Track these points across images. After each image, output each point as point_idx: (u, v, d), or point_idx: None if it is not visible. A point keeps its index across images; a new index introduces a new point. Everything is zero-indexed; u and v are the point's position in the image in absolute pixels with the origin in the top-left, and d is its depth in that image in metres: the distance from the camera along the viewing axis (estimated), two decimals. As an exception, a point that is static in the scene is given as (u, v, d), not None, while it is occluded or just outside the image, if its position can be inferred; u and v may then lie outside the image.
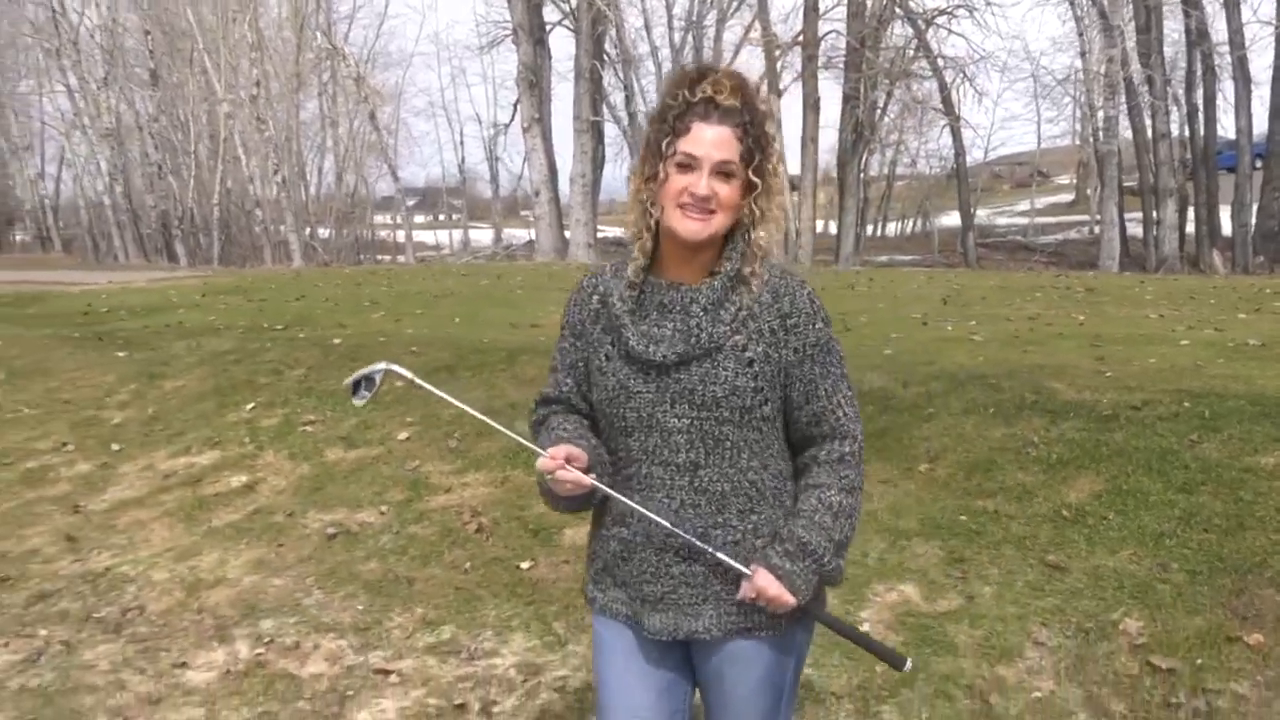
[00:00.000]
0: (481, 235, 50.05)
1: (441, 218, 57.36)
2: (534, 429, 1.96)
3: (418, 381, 1.94)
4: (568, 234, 26.46)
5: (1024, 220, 35.93)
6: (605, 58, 29.25)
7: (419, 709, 3.23)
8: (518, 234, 46.04)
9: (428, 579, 4.01)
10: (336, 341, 7.29)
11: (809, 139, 24.40)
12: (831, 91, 28.19)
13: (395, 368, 1.96)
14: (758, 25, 26.29)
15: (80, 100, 34.37)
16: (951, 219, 32.75)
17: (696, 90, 1.71)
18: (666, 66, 34.94)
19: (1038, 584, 3.51)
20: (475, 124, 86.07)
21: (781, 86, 26.26)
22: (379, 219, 49.15)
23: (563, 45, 64.27)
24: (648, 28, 35.40)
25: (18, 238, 48.80)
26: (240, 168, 34.95)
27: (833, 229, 32.48)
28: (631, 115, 31.23)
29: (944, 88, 24.90)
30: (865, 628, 3.40)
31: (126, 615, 3.99)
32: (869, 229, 35.58)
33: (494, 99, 63.73)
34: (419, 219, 55.68)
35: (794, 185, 26.17)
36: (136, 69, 36.72)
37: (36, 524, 4.93)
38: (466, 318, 8.67)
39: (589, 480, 1.75)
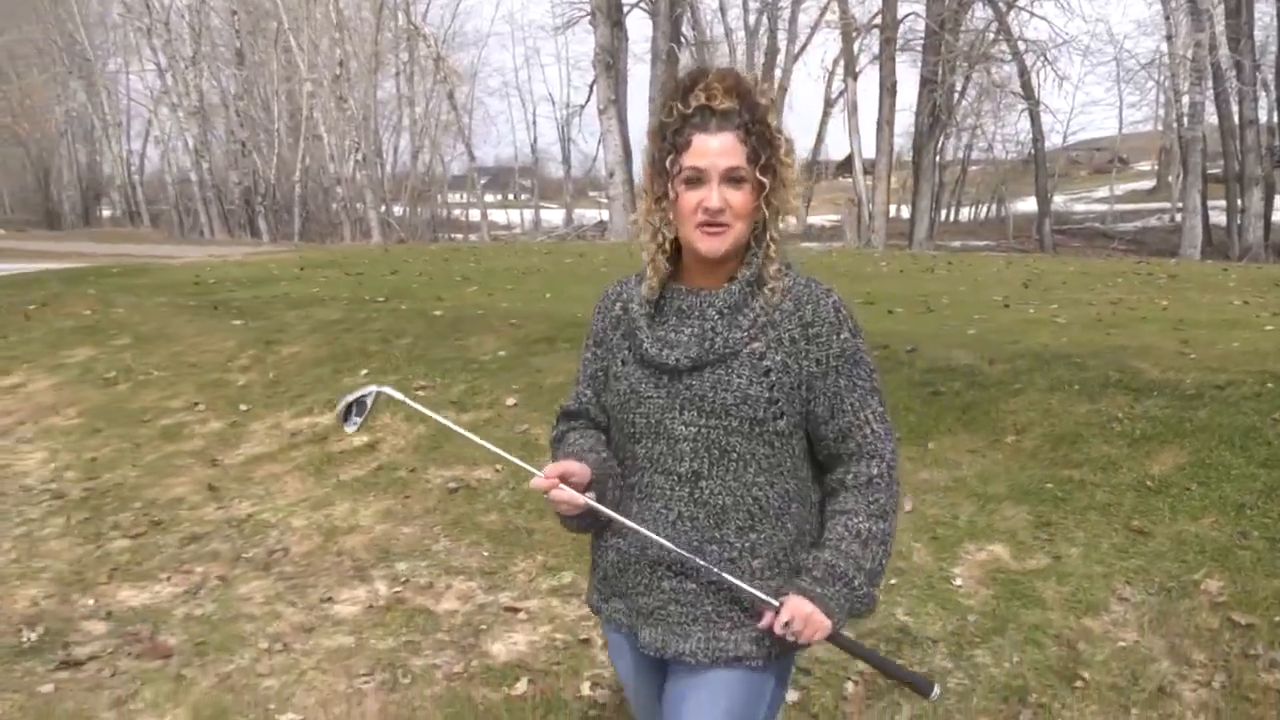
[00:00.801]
0: (551, 215, 50.62)
1: (511, 197, 58.02)
2: (552, 446, 1.95)
3: (410, 403, 1.93)
4: (641, 215, 26.71)
5: (1102, 207, 35.39)
6: (682, 39, 29.38)
7: (547, 642, 3.57)
8: (588, 214, 46.52)
9: (545, 530, 4.34)
10: (438, 313, 7.67)
11: (884, 122, 24.36)
12: (908, 74, 28.06)
13: (386, 390, 1.92)
14: (835, 7, 26.23)
15: (170, 78, 35.44)
16: (1027, 205, 32.42)
17: (690, 100, 1.67)
18: (741, 49, 35.03)
19: (1122, 547, 3.73)
20: (548, 104, 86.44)
21: (858, 69, 26.24)
22: (450, 197, 49.99)
23: (639, 27, 64.21)
24: (723, 10, 35.54)
25: (104, 213, 50.53)
26: (320, 146, 35.86)
27: (905, 213, 32.37)
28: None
29: (1024, 71, 24.68)
30: (958, 583, 3.66)
31: (272, 556, 4.40)
32: (942, 213, 35.32)
33: (567, 79, 64.71)
34: (489, 198, 56.33)
35: (868, 169, 26.15)
36: (222, 48, 37.80)
37: (179, 475, 5.38)
38: (555, 293, 9.01)
39: (581, 500, 1.73)
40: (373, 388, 1.94)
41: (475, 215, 40.24)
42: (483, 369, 6.23)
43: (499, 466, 4.97)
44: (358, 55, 37.97)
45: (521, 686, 3.31)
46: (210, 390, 6.55)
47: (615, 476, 1.82)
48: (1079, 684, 3.12)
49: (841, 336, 1.73)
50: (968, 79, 25.73)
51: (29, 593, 4.19)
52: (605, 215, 32.64)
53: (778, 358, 1.71)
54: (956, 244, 29.13)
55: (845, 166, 61.37)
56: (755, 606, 1.74)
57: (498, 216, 53.23)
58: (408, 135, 45.05)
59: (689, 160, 1.68)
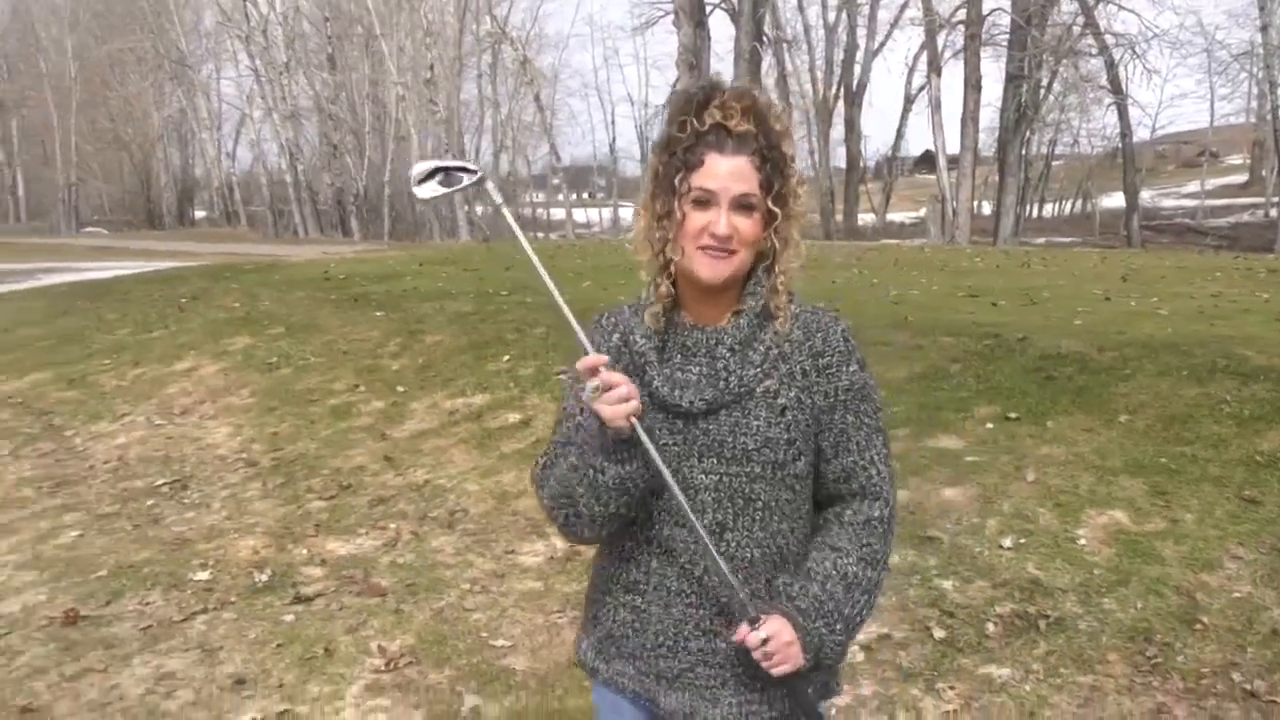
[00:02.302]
0: (627, 214, 51.26)
1: (587, 196, 58.86)
2: (539, 483, 1.74)
3: (505, 210, 1.74)
4: (724, 212, 27.09)
5: (1192, 202, 34.85)
6: (764, 38, 29.71)
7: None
8: (667, 212, 47.00)
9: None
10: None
11: (969, 118, 24.42)
12: (990, 70, 28.04)
13: (490, 185, 1.71)
14: (917, 3, 26.33)
15: (266, 83, 36.81)
16: (1112, 200, 32.11)
17: (705, 117, 1.58)
18: (820, 48, 35.25)
19: (1235, 514, 4.10)
20: (627, 104, 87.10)
21: (941, 64, 26.32)
22: (528, 197, 50.99)
23: (721, 27, 64.43)
24: (801, 7, 35.72)
25: (197, 214, 52.54)
26: (405, 147, 36.95)
27: (986, 209, 32.30)
28: (781, 98, 31.70)
29: (1111, 65, 24.56)
30: (1082, 543, 4.06)
31: (454, 516, 4.97)
32: (1026, 209, 35.13)
33: (645, 79, 65.07)
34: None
35: (952, 163, 26.23)
36: (314, 54, 39.13)
37: (355, 447, 5.99)
38: (668, 287, 9.50)
39: (634, 406, 1.53)
40: (477, 170, 1.70)
41: (556, 214, 41.10)
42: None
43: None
44: (441, 59, 39.00)
45: (698, 623, 3.81)
46: (367, 374, 7.18)
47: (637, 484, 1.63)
48: (1198, 627, 3.52)
49: (850, 369, 1.64)
50: (1054, 74, 25.67)
51: (249, 543, 4.82)
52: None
53: (791, 394, 1.62)
54: (1040, 240, 29.03)
55: (923, 162, 60.98)
56: (733, 614, 1.61)
57: (576, 215, 54.07)
58: (489, 136, 46.13)
59: (699, 180, 1.58)
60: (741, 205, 1.59)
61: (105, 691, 3.67)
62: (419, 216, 37.86)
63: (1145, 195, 33.78)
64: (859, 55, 34.09)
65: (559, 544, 4.55)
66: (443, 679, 3.58)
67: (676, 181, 1.60)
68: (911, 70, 34.69)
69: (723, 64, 35.11)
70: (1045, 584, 3.83)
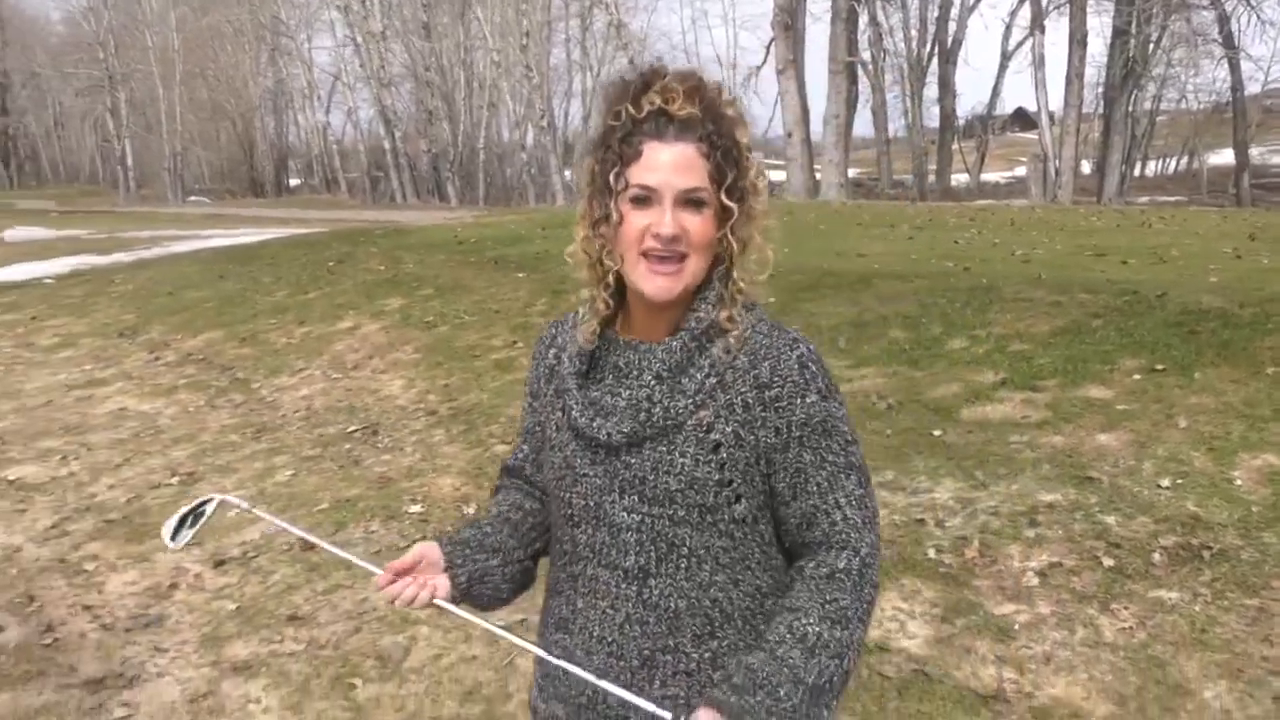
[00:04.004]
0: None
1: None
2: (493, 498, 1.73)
3: (255, 511, 1.69)
4: (818, 175, 27.18)
5: (1304, 157, 33.71)
6: (861, -2, 29.49)
7: (887, 521, 4.42)
8: (754, 174, 46.97)
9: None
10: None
11: (1074, 75, 24.05)
12: (1094, 25, 27.44)
13: (229, 498, 1.65)
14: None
15: (364, 51, 37.67)
16: (1221, 158, 31.25)
17: (643, 103, 1.38)
18: (915, 5, 34.77)
19: (1387, 457, 4.33)
20: (715, 66, 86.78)
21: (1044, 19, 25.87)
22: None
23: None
24: (899, -36, 35.21)
25: (291, 181, 54.07)
26: (499, 114, 37.63)
27: (1085, 168, 31.68)
28: (874, 57, 31.51)
29: (1224, 19, 23.92)
30: (1238, 483, 4.33)
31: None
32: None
33: (734, 40, 64.56)
34: (655, 160, 57.22)
35: (1054, 120, 25.87)
36: (409, 21, 39.88)
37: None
38: (793, 248, 9.82)
39: (423, 598, 1.46)
40: (214, 496, 1.64)
41: (646, 177, 41.21)
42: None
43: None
44: (532, 23, 39.41)
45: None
46: (521, 332, 7.67)
47: (506, 552, 1.56)
48: (1359, 558, 3.79)
49: (808, 400, 1.42)
50: (1164, 28, 25.07)
51: (448, 481, 5.33)
52: (771, 176, 33.09)
53: (728, 428, 1.41)
54: (1144, 199, 28.44)
55: (1016, 120, 59.60)
56: (658, 667, 1.48)
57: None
58: (579, 101, 46.52)
59: (637, 176, 1.38)
60: (689, 201, 1.38)
61: (358, 603, 4.21)
62: (510, 180, 38.58)
63: (1254, 152, 32.78)
64: (954, 12, 33.62)
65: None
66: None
67: (612, 179, 1.40)
68: (1009, 26, 34.06)
69: (819, 24, 34.85)
70: (1205, 520, 4.12)
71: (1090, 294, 6.48)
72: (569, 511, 1.50)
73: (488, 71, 36.52)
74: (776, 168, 43.43)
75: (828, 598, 1.41)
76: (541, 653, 1.51)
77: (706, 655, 1.46)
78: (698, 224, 1.39)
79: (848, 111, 27.10)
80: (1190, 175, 34.95)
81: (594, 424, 1.44)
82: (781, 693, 1.35)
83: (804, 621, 1.39)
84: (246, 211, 32.11)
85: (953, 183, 35.75)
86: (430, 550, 1.50)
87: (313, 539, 1.69)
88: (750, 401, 1.41)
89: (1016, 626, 3.61)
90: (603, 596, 1.48)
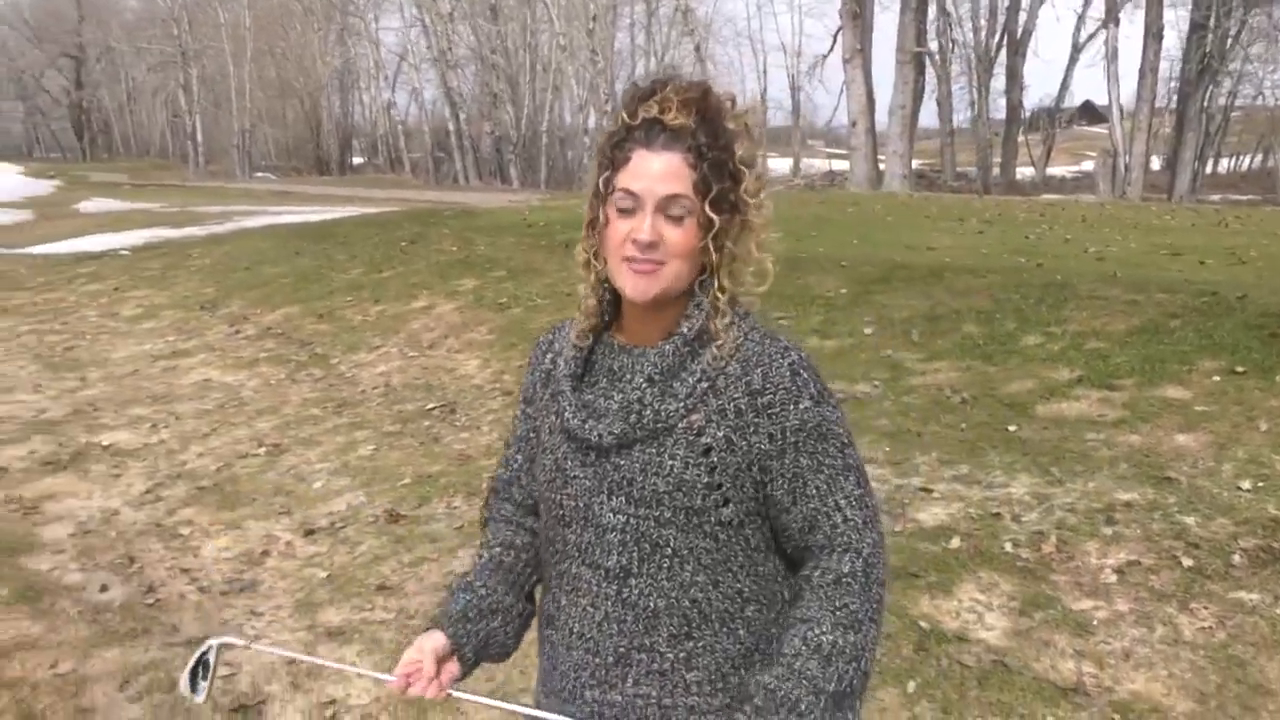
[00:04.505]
0: (775, 164, 51.07)
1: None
2: (482, 529, 1.75)
3: (255, 646, 1.73)
4: (882, 166, 26.98)
5: (1385, 157, 32.75)
6: (931, -13, 29.16)
7: (964, 514, 4.48)
8: (814, 163, 46.76)
9: (933, 434, 5.24)
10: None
11: (1148, 69, 23.60)
12: (1170, 18, 26.87)
13: (228, 639, 1.64)
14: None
15: (431, 33, 38.04)
16: (1297, 155, 30.46)
17: (639, 111, 1.41)
18: (987, -6, 34.23)
19: None
20: (779, 53, 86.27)
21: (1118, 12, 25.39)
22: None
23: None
24: (970, -46, 34.72)
25: (353, 160, 54.78)
26: (563, 97, 37.81)
27: (1154, 164, 31.07)
28: (941, 47, 31.14)
29: (1308, 13, 23.29)
30: (1320, 488, 4.32)
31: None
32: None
33: (799, 28, 64.15)
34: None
35: (1124, 115, 25.41)
36: (476, 3, 40.17)
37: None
38: (861, 239, 9.83)
39: (441, 693, 1.51)
40: (211, 641, 1.61)
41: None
42: (830, 304, 7.17)
43: (875, 383, 5.90)
44: (598, 7, 39.50)
45: (955, 542, 4.24)
46: (593, 315, 7.78)
47: (505, 610, 1.59)
48: None
49: (801, 406, 1.44)
50: (1243, 23, 24.47)
51: (526, 461, 5.46)
52: (833, 165, 32.90)
53: (719, 433, 1.43)
54: (1216, 197, 27.83)
55: (1084, 114, 58.44)
56: (633, 663, 1.49)
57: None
58: (642, 85, 46.42)
59: (623, 181, 1.41)
60: (671, 209, 1.40)
61: (443, 575, 4.35)
62: (571, 164, 38.76)
63: (1333, 150, 31.93)
64: (1025, 2, 33.07)
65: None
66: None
67: (601, 182, 1.44)
68: (1082, 18, 33.44)
69: (888, 12, 34.59)
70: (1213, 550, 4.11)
71: (1168, 294, 6.44)
72: (560, 512, 1.52)
73: (553, 55, 36.69)
74: (839, 157, 43.09)
75: (837, 604, 1.42)
76: (546, 716, 1.50)
77: (681, 655, 1.47)
78: (678, 234, 1.40)
79: (914, 102, 26.85)
80: (1265, 174, 34.12)
81: (586, 425, 1.47)
82: (803, 706, 1.37)
83: (817, 631, 1.40)
84: (314, 189, 32.63)
85: (1017, 176, 35.24)
86: (433, 641, 1.52)
87: (320, 661, 1.74)
88: (743, 408, 1.43)
89: (1095, 622, 3.65)
90: (583, 594, 1.50)
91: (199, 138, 51.18)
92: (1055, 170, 39.76)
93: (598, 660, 1.50)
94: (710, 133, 1.40)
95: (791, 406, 1.43)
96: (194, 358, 8.31)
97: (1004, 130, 34.74)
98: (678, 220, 1.40)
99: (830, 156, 46.83)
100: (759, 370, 1.44)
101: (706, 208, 1.40)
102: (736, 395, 1.43)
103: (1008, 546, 4.17)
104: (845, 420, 1.51)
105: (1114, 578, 3.91)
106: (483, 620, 1.57)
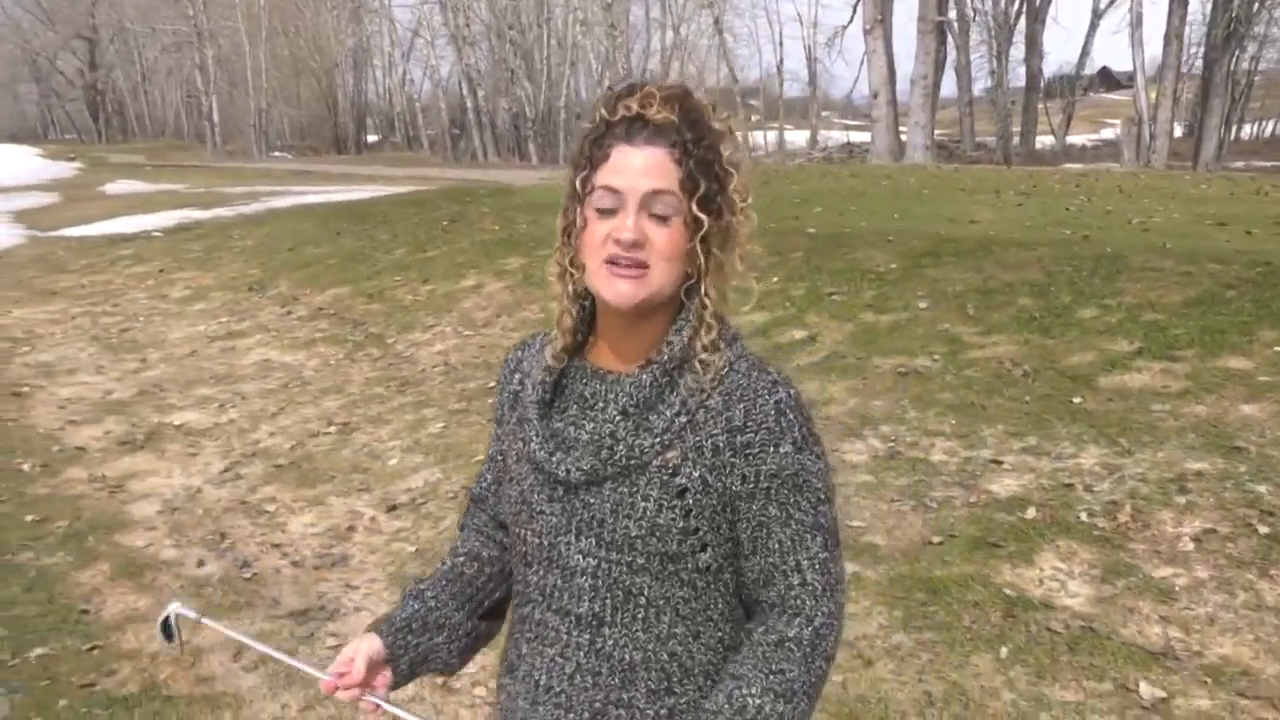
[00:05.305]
0: (791, 136, 50.86)
1: (755, 118, 58.49)
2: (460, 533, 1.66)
3: (205, 621, 1.66)
4: (904, 136, 26.89)
5: None
6: (952, -43, 28.95)
7: (1035, 485, 4.57)
8: (833, 135, 46.59)
9: (996, 406, 5.34)
10: (812, 230, 8.72)
11: (1173, 35, 23.43)
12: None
13: (182, 610, 1.63)
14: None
15: (447, 9, 37.94)
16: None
17: (619, 108, 1.32)
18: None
19: None
20: (795, 24, 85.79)
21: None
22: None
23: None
24: (988, -80, 34.41)
25: (368, 138, 54.77)
26: (579, 72, 37.72)
27: (1178, 131, 30.85)
28: (960, 15, 30.95)
29: (1336, -24, 23.06)
30: (1389, 456, 4.40)
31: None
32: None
33: (814, -1, 63.62)
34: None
35: (1150, 83, 25.25)
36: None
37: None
38: (901, 213, 9.88)
39: (369, 701, 1.42)
40: (172, 606, 1.63)
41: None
42: (882, 279, 7.25)
43: (935, 357, 5.99)
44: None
45: (1031, 513, 4.34)
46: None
47: (452, 627, 1.50)
48: None
49: (781, 450, 1.32)
50: (1272, -14, 24.26)
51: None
52: (850, 137, 32.72)
53: (695, 473, 1.33)
54: (1240, 164, 27.66)
55: (1102, 81, 57.83)
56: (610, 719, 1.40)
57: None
58: (657, 59, 46.35)
59: (603, 178, 1.31)
60: (655, 206, 1.30)
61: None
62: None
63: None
64: (1047, -32, 32.78)
65: (877, 444, 5.14)
66: (815, 550, 4.24)
67: (579, 182, 1.33)
68: (1103, -17, 33.14)
69: (904, -18, 34.30)
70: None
71: (1220, 264, 6.49)
72: (523, 549, 1.41)
73: (569, 29, 36.58)
74: (856, 129, 42.88)
75: (773, 667, 1.32)
76: None
77: (663, 712, 1.37)
78: (665, 233, 1.30)
79: (936, 72, 26.73)
80: (1289, 139, 33.90)
81: (553, 459, 1.35)
82: None
83: (745, 691, 1.30)
84: (334, 168, 32.73)
85: (1037, 145, 35.05)
86: (369, 645, 1.43)
87: (259, 647, 1.64)
88: (720, 445, 1.32)
89: (1177, 589, 3.75)
90: (551, 643, 1.39)
91: (215, 118, 51.23)
92: (1075, 138, 39.53)
93: (571, 716, 1.39)
94: (694, 130, 1.31)
95: (771, 449, 1.32)
96: (250, 338, 8.45)
97: (1024, 98, 34.53)
98: (663, 219, 1.30)
99: (847, 128, 46.62)
100: (741, 406, 1.32)
101: (694, 207, 1.30)
102: (715, 432, 1.32)
103: (1083, 516, 4.27)
104: (827, 473, 1.40)
105: (1191, 545, 4.01)
106: (425, 634, 1.47)
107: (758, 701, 1.29)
